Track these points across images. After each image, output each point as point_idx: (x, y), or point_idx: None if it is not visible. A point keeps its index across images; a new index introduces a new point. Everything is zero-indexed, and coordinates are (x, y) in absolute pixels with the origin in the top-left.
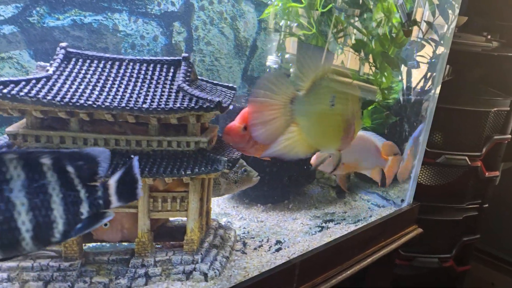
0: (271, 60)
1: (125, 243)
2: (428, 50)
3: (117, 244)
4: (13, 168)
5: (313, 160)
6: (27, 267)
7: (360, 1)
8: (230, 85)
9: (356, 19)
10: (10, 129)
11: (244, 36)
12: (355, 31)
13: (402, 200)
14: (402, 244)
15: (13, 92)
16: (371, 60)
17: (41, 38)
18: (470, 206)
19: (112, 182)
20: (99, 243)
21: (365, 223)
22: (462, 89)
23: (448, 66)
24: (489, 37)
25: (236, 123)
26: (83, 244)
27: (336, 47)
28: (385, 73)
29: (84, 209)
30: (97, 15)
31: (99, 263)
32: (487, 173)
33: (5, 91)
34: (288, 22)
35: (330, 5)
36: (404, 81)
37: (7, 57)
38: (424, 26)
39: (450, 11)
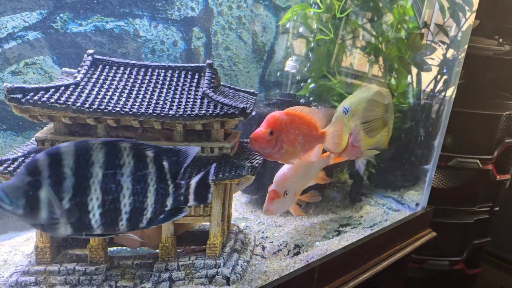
0: (290, 65)
1: (145, 248)
2: (438, 53)
3: (138, 249)
4: (126, 155)
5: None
6: (54, 271)
7: (375, 5)
8: (252, 90)
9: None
10: (39, 135)
11: (262, 41)
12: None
13: (417, 204)
14: (417, 247)
15: (44, 99)
16: (381, 62)
17: (64, 44)
18: (481, 209)
19: (193, 182)
20: (121, 247)
21: (381, 227)
22: (474, 92)
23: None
24: (500, 40)
25: (263, 129)
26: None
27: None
28: (401, 78)
29: (169, 202)
30: (119, 20)
31: (124, 267)
32: (498, 176)
33: (36, 98)
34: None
35: (349, 10)
36: (414, 85)
37: (31, 62)
38: (433, 28)
39: (461, 14)
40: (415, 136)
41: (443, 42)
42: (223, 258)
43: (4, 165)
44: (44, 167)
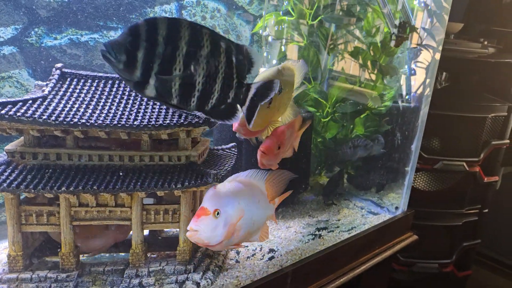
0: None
1: (122, 254)
2: (427, 57)
3: (114, 255)
4: (205, 39)
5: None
6: (26, 279)
7: (347, 12)
8: None
9: (351, 28)
10: (9, 147)
11: None
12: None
13: (397, 208)
14: (397, 251)
15: (11, 112)
16: (369, 66)
17: (39, 57)
18: (469, 211)
19: (254, 87)
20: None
21: (359, 231)
22: (459, 95)
23: (444, 72)
24: (485, 43)
25: (273, 142)
26: (80, 255)
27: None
28: (377, 81)
29: (231, 95)
30: (93, 33)
31: (95, 274)
32: (486, 178)
33: (3, 112)
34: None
35: (320, 17)
36: (404, 88)
37: (7, 76)
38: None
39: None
40: (392, 140)
41: (428, 46)
42: (194, 264)
43: None
44: (143, 31)
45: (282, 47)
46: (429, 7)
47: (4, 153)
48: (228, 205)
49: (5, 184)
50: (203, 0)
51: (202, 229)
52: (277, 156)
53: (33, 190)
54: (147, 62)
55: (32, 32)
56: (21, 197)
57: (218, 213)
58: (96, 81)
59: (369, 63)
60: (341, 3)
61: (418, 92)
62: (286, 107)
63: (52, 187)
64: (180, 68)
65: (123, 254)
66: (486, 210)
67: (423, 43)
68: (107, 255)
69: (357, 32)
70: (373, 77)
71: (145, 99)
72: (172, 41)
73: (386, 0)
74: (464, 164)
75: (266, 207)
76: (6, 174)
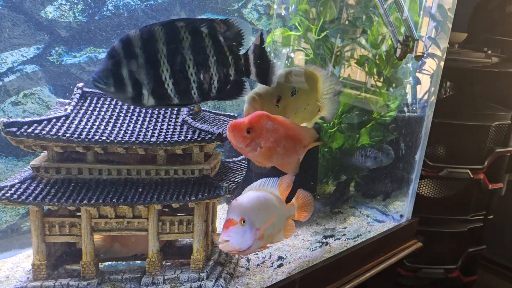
0: None
1: (138, 262)
2: (432, 64)
3: (130, 263)
4: (183, 32)
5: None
6: (49, 286)
7: (351, 25)
8: (232, 114)
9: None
10: (34, 162)
11: None
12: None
13: (401, 215)
14: (402, 258)
15: (37, 131)
16: (375, 73)
17: (59, 74)
18: (474, 218)
19: (250, 53)
20: (114, 262)
21: (364, 238)
22: (464, 104)
23: (448, 82)
24: (489, 52)
25: (243, 123)
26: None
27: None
28: (381, 92)
29: (232, 72)
30: None
31: (114, 282)
32: (490, 185)
33: (29, 130)
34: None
35: (325, 32)
36: (409, 97)
37: (30, 93)
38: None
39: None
40: (397, 149)
41: (433, 55)
42: (207, 271)
43: (2, 191)
44: (120, 50)
45: (289, 58)
46: (433, 14)
47: (29, 167)
48: (250, 213)
49: (31, 198)
50: (213, 17)
51: (232, 237)
52: (244, 140)
53: (57, 203)
54: (133, 76)
55: (53, 51)
56: (45, 209)
57: (244, 221)
58: (115, 99)
59: (374, 70)
60: (347, 11)
61: (423, 100)
62: (309, 114)
63: (75, 200)
64: (166, 68)
65: (138, 262)
66: (491, 216)
67: (428, 51)
68: (124, 263)
69: (362, 41)
70: (379, 84)
71: (161, 115)
72: (149, 47)
73: (389, 14)
74: (469, 171)
75: (284, 209)
76: (31, 188)
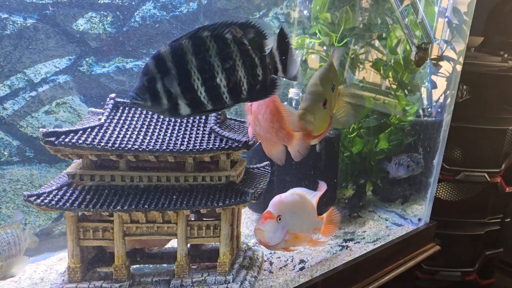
0: (293, 92)
1: (165, 265)
2: (448, 67)
3: (158, 266)
4: (208, 41)
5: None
6: None
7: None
8: None
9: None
10: (69, 170)
11: None
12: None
13: (419, 219)
14: (420, 261)
15: (73, 140)
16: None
17: (89, 84)
18: (491, 221)
19: (274, 50)
20: (141, 265)
21: (383, 242)
22: (480, 108)
23: (465, 86)
24: (506, 55)
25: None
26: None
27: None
28: (399, 96)
29: (260, 72)
30: (137, 60)
31: (144, 284)
32: (507, 188)
33: (66, 140)
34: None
35: (345, 40)
36: (425, 101)
37: (62, 102)
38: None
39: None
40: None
41: (449, 58)
42: (232, 274)
43: (41, 198)
44: (153, 67)
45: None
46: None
47: (64, 173)
48: (287, 213)
49: (68, 204)
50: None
51: (267, 230)
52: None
53: (92, 209)
54: (167, 89)
55: (84, 62)
56: (79, 214)
57: (280, 219)
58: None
59: (390, 74)
60: (364, 16)
61: (439, 103)
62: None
63: (109, 206)
64: (197, 77)
65: (165, 265)
66: (508, 220)
67: (444, 54)
68: (151, 266)
69: (376, 43)
70: (394, 87)
71: (190, 124)
72: (179, 60)
73: (407, 21)
74: (486, 175)
75: (314, 220)
76: (68, 194)
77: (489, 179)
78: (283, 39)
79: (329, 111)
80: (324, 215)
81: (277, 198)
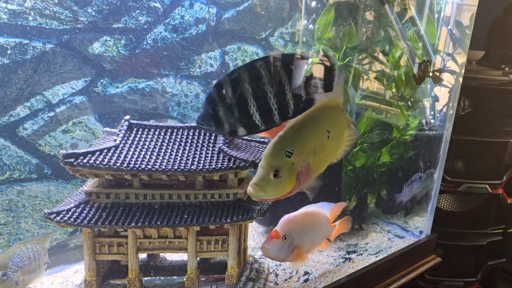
0: None
1: (175, 277)
2: (450, 79)
3: (168, 278)
4: (262, 70)
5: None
6: None
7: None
8: (262, 139)
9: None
10: (87, 188)
11: None
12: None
13: (421, 232)
14: (421, 273)
15: (91, 161)
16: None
17: (104, 104)
18: (494, 231)
19: (310, 74)
20: (152, 277)
21: (386, 254)
22: (482, 121)
23: (466, 100)
24: (506, 69)
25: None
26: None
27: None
28: (401, 113)
29: (303, 93)
30: (148, 80)
31: None
32: (509, 200)
33: (85, 161)
34: None
35: (348, 59)
36: (428, 114)
37: (78, 122)
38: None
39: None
40: (415, 168)
41: (450, 71)
42: (240, 287)
43: (61, 215)
44: (216, 97)
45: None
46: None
47: (81, 190)
48: (295, 232)
49: (85, 221)
50: (243, 45)
51: (271, 248)
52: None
53: (108, 226)
54: (229, 116)
55: (99, 83)
56: (95, 230)
57: (285, 238)
58: (158, 130)
59: (393, 88)
60: (367, 29)
61: (441, 114)
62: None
63: (124, 223)
64: (253, 104)
65: (176, 277)
66: (511, 230)
67: (447, 66)
68: (162, 278)
69: (380, 56)
70: (396, 99)
71: (199, 145)
72: (238, 89)
73: (408, 38)
74: (487, 186)
75: (326, 230)
76: (85, 212)
77: (490, 191)
78: (323, 63)
79: (285, 179)
80: (337, 222)
81: (285, 217)
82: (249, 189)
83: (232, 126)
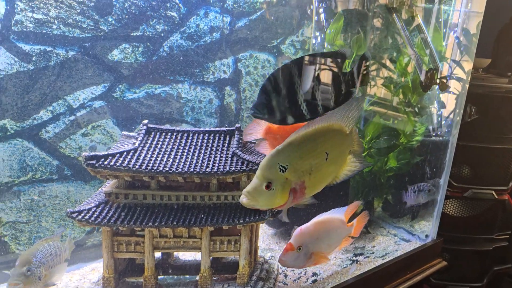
0: None
1: (188, 276)
2: (457, 85)
3: (181, 277)
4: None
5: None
6: None
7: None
8: None
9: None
10: (106, 189)
11: None
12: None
13: (427, 236)
14: (427, 276)
15: (111, 163)
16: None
17: (121, 108)
18: (499, 237)
19: (355, 69)
20: (165, 276)
21: (392, 257)
22: (488, 128)
23: (473, 107)
24: None
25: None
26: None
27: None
28: (408, 119)
29: (343, 87)
30: (164, 86)
31: None
32: None
33: (106, 163)
34: None
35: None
36: (434, 120)
37: (97, 125)
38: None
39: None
40: (422, 173)
41: (457, 77)
42: (251, 286)
43: (82, 214)
44: (270, 87)
45: None
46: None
47: (101, 191)
48: (309, 241)
49: (105, 220)
50: (255, 53)
51: (287, 260)
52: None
53: (126, 225)
54: (280, 105)
55: (117, 88)
56: (114, 229)
57: (300, 248)
58: (175, 134)
59: (400, 91)
60: (375, 36)
61: (447, 121)
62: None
63: (141, 222)
64: (302, 95)
65: (188, 276)
66: None
67: (453, 73)
68: (175, 277)
69: (387, 63)
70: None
71: (214, 148)
72: (288, 82)
73: (413, 43)
74: (493, 192)
75: (343, 231)
76: (105, 211)
77: (497, 197)
78: (363, 61)
79: (277, 192)
80: (355, 220)
81: (297, 230)
82: (242, 196)
83: (283, 115)
